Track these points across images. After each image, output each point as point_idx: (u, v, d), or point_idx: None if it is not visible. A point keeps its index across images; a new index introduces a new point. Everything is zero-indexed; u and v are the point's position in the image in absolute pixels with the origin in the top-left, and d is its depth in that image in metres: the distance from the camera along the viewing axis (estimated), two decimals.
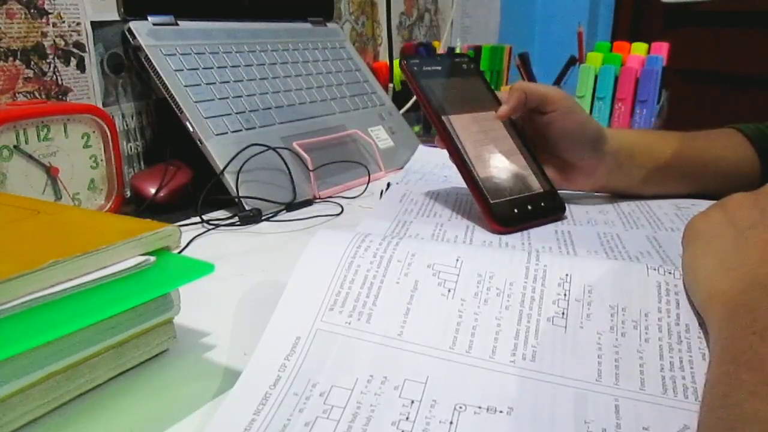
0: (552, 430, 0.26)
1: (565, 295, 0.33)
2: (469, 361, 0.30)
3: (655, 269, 0.34)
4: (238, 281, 0.44)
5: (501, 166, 0.54)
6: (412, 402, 0.28)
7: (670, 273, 0.34)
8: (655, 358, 0.30)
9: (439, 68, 0.57)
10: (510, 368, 0.30)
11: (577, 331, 0.31)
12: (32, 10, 0.59)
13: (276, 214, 0.59)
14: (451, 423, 0.27)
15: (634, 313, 0.32)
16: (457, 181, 0.65)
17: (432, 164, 0.73)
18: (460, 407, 0.27)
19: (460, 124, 0.54)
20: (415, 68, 0.54)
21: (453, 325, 0.32)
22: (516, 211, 0.51)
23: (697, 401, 0.28)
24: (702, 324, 0.31)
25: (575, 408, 0.27)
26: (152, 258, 0.31)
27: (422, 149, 0.78)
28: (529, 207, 0.52)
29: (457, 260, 0.35)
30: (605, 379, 0.29)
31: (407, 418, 0.27)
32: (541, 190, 0.54)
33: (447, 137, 0.53)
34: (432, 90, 0.54)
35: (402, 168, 0.73)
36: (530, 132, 0.57)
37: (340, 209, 0.61)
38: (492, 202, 0.51)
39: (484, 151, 0.53)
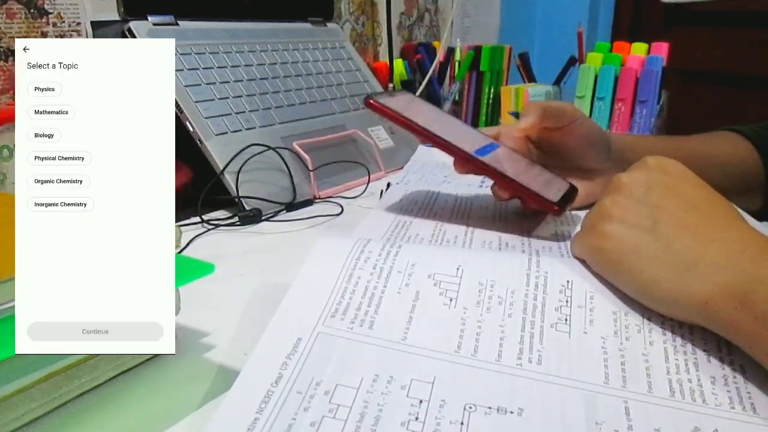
0: (564, 430, 0.26)
1: (567, 302, 0.33)
2: (475, 363, 0.30)
3: None
4: (238, 281, 0.44)
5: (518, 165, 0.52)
6: (421, 402, 0.27)
7: None
8: (661, 361, 0.30)
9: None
10: (517, 370, 0.30)
11: (582, 336, 0.31)
12: (32, 10, 0.59)
13: (276, 214, 0.59)
14: (462, 423, 0.26)
15: (637, 318, 0.33)
16: (457, 180, 0.66)
17: (432, 164, 0.73)
18: (470, 407, 0.27)
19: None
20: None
21: (457, 332, 0.32)
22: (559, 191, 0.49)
23: (705, 404, 0.28)
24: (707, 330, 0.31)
25: (585, 409, 0.27)
26: None
27: (422, 149, 0.78)
28: (565, 193, 0.50)
29: (458, 269, 0.35)
30: (612, 381, 0.29)
31: (417, 419, 0.26)
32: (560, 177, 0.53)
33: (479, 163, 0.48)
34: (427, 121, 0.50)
35: (402, 168, 0.73)
36: (545, 147, 0.57)
37: (340, 209, 0.60)
38: (544, 194, 0.48)
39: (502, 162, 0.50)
